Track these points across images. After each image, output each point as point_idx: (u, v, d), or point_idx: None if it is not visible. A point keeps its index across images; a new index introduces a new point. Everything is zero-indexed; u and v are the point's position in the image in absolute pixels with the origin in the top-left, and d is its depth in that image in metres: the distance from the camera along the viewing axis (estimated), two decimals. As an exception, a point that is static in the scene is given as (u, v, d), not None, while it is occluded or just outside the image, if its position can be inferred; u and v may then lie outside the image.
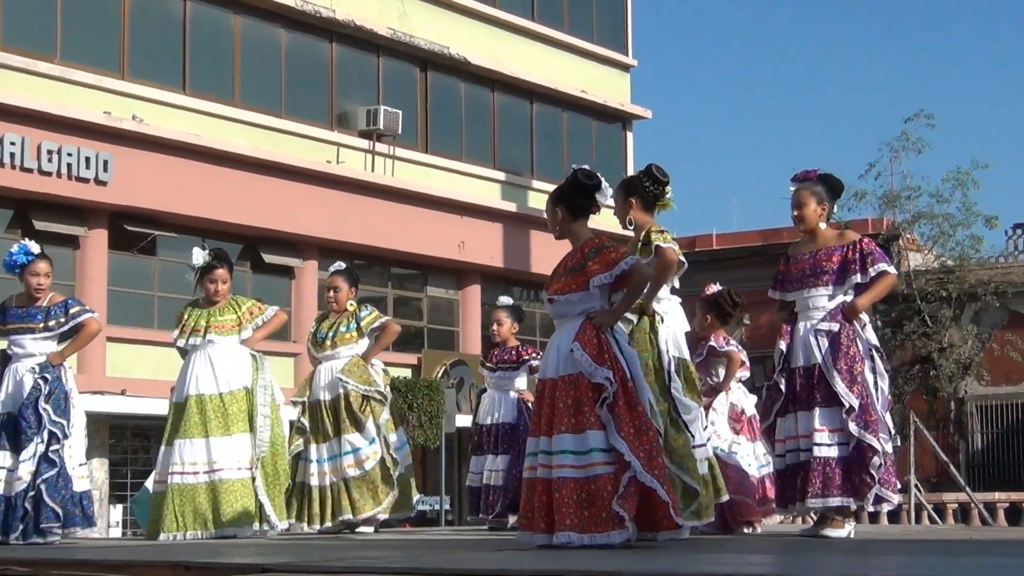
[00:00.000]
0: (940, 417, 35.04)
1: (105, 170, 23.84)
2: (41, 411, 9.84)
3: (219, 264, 10.63)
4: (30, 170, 23.07)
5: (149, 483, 20.83)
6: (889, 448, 8.37)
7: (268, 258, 26.58)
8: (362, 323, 11.41)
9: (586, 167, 7.70)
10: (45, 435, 9.81)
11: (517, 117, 32.14)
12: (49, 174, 23.26)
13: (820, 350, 8.48)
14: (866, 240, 8.70)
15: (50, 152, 23.25)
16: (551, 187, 35.33)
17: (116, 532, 24.15)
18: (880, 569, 5.48)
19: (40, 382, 9.84)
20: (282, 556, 6.89)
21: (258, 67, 27.15)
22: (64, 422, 9.87)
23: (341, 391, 11.18)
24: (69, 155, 23.44)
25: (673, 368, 8.28)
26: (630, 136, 34.47)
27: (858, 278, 8.53)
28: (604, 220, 8.50)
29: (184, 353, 10.69)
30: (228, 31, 26.72)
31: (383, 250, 28.44)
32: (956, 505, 23.40)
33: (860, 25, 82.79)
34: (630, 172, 33.84)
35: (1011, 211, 70.87)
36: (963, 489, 23.03)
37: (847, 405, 8.32)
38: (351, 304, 11.49)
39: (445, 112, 30.52)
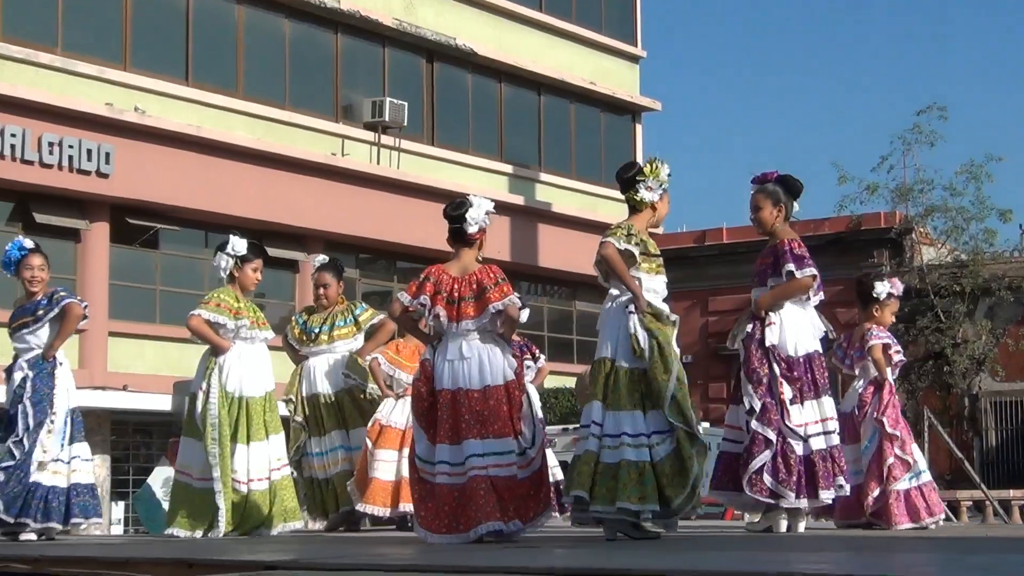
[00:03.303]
0: (954, 414, 35.01)
1: (107, 162, 23.85)
2: (34, 405, 10.07)
3: (259, 253, 10.60)
4: (31, 162, 23.08)
5: (152, 480, 20.98)
6: (794, 448, 8.74)
7: (272, 251, 26.52)
8: (360, 319, 11.44)
9: (464, 198, 8.88)
10: (19, 429, 10.06)
11: (524, 109, 32.12)
12: (50, 166, 23.28)
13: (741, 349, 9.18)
14: (785, 242, 9.07)
15: (51, 144, 23.26)
16: (559, 180, 35.37)
17: (118, 529, 24.17)
18: (900, 567, 5.49)
19: (27, 379, 10.04)
20: (289, 553, 6.89)
21: (262, 58, 27.14)
22: (43, 418, 10.08)
23: (344, 386, 11.22)
24: (70, 147, 23.45)
25: None
26: (639, 128, 34.44)
27: (771, 281, 9.11)
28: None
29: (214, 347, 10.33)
30: (231, 21, 26.71)
31: (388, 243, 28.43)
32: (971, 503, 23.36)
33: (872, 16, 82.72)
34: (639, 165, 33.78)
35: (1026, 205, 70.82)
36: (978, 486, 22.99)
37: (747, 406, 8.90)
38: (341, 298, 11.60)
39: (451, 104, 30.51)
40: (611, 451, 8.06)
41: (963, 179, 35.34)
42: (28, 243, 10.49)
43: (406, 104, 28.63)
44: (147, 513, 21.07)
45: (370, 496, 10.90)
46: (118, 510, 24.59)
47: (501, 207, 30.47)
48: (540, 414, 11.47)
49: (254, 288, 10.56)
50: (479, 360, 8.22)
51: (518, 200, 30.54)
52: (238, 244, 10.46)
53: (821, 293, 9.20)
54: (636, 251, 8.38)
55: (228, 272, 10.40)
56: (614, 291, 8.51)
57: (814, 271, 8.96)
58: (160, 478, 20.97)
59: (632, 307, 8.32)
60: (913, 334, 34.99)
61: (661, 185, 8.58)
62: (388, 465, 10.99)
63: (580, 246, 31.54)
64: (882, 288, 10.50)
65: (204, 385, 10.11)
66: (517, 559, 6.15)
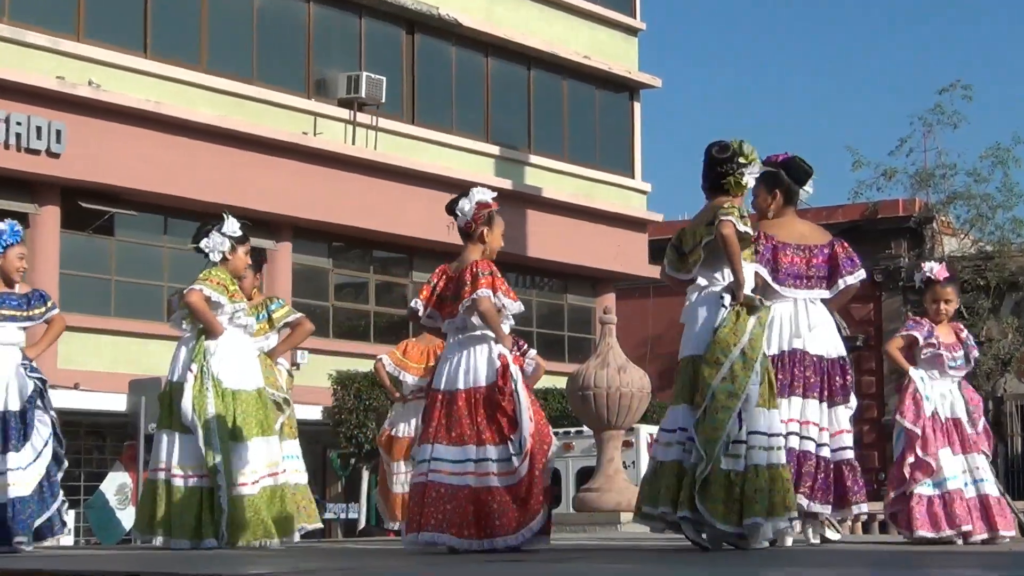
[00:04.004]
0: (976, 418, 35.12)
1: (58, 141, 23.80)
2: (49, 413, 10.30)
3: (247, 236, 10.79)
4: (-25, 141, 23.05)
5: (105, 487, 20.96)
6: None
7: (237, 239, 26.52)
8: (274, 316, 11.34)
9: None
10: (51, 439, 10.22)
11: (513, 85, 32.08)
12: (-4, 145, 23.25)
13: None
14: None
15: (-3, 121, 23.22)
16: (550, 163, 35.09)
17: (68, 540, 24.11)
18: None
19: (39, 382, 10.27)
20: (251, 566, 6.87)
21: (227, 29, 27.08)
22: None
23: None
24: (18, 124, 23.39)
25: None
26: (637, 107, 34.41)
27: None
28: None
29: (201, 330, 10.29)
30: (194, -12, 26.65)
31: (364, 231, 28.40)
32: (994, 515, 23.40)
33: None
34: (637, 145, 33.82)
35: (1056, 192, 70.67)
36: (1002, 497, 23.02)
37: None
38: (257, 292, 11.55)
39: (434, 79, 30.46)
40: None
41: (989, 164, 35.43)
42: (20, 227, 10.68)
43: (384, 79, 28.59)
44: (100, 522, 21.07)
45: (390, 511, 11.35)
46: (68, 519, 24.51)
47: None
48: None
49: (243, 273, 10.62)
50: (457, 362, 8.56)
51: (505, 184, 30.46)
52: (234, 224, 10.55)
53: (831, 288, 9.25)
54: (752, 233, 8.45)
55: (222, 255, 10.42)
56: (702, 280, 8.45)
57: (759, 267, 9.04)
58: (114, 484, 20.96)
59: (729, 298, 8.29)
60: (933, 332, 34.99)
61: (758, 169, 8.76)
62: (404, 476, 11.40)
63: (572, 235, 31.54)
64: (916, 277, 10.53)
65: (195, 369, 10.03)
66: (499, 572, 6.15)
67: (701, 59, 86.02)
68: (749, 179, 8.65)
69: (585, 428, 19.51)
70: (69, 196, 24.48)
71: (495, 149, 31.22)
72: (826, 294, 9.28)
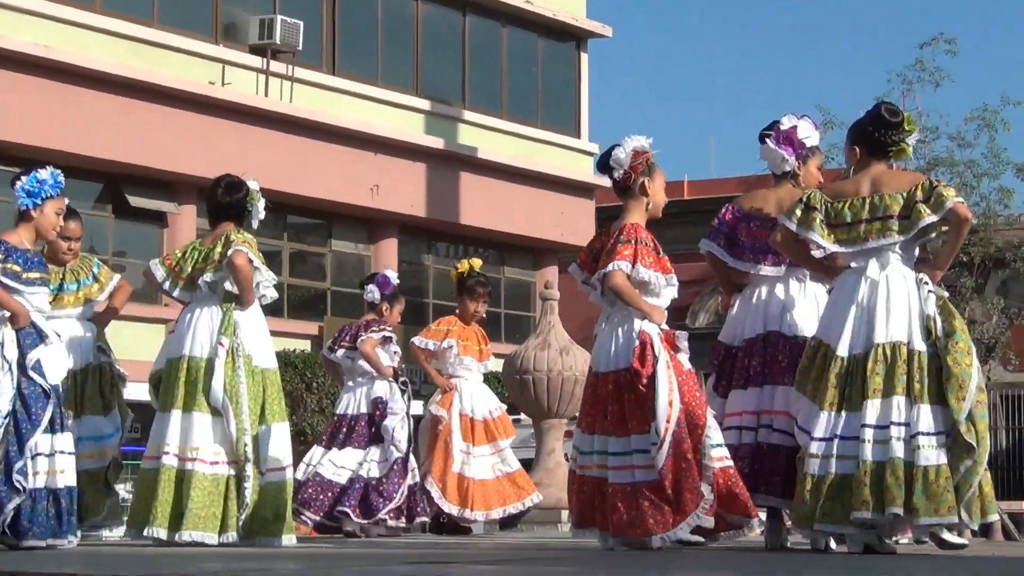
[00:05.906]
0: (957, 409, 35.37)
1: (-69, 88, 23.70)
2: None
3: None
4: None
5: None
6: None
7: (135, 201, 26.41)
8: (100, 276, 11.15)
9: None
10: None
11: (446, 33, 32.04)
12: None
13: None
14: None
15: None
16: (486, 120, 34.98)
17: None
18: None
19: None
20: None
21: (125, -36, 26.96)
22: None
23: (93, 361, 10.86)
24: None
25: None
26: (585, 58, 34.43)
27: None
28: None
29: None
30: (88, -82, 26.50)
31: (278, 194, 28.13)
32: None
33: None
34: (584, 101, 33.83)
35: (1048, 159, 71.30)
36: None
37: None
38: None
39: (357, 25, 30.39)
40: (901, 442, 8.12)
41: (974, 127, 35.54)
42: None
43: (301, 24, 28.50)
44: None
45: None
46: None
47: (416, 151, 30.55)
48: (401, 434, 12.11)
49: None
50: (605, 342, 8.60)
51: (436, 143, 30.52)
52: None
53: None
54: None
55: (256, 223, 10.76)
56: (894, 257, 8.35)
57: (706, 244, 9.13)
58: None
59: (929, 282, 8.36)
60: (910, 313, 35.26)
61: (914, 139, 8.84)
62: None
63: (511, 200, 31.54)
64: None
65: (227, 343, 9.92)
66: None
67: (656, 5, 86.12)
68: (909, 149, 8.72)
69: (523, 416, 19.51)
70: (-56, 151, 24.36)
71: (425, 104, 31.17)
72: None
